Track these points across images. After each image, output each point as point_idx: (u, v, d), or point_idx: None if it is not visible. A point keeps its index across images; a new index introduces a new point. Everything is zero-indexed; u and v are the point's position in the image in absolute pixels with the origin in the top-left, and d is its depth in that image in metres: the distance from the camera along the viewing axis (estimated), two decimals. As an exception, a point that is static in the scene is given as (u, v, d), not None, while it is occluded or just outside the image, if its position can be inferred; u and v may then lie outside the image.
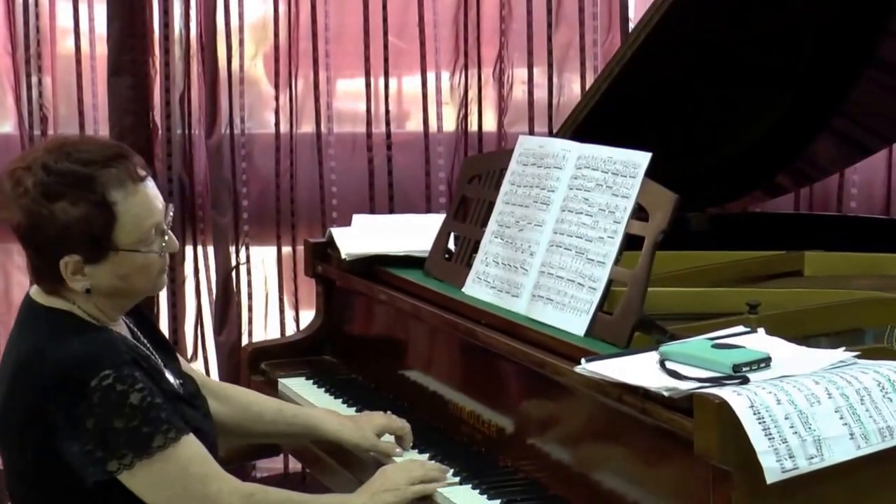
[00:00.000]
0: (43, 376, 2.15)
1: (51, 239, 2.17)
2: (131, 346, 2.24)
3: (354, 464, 2.63)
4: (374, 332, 3.15)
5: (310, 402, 2.93)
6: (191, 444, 2.19)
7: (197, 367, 4.11)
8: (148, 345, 2.34)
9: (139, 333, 2.36)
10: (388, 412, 2.66)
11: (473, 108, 4.07)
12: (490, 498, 2.35)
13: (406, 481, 2.35)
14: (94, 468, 2.13)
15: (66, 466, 2.13)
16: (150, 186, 2.24)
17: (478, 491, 2.37)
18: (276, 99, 4.05)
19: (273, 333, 4.13)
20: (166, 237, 2.26)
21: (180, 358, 2.54)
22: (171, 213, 2.30)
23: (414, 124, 4.11)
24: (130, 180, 2.19)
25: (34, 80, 4.02)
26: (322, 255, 3.24)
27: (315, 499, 2.35)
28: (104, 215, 2.17)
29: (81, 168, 2.17)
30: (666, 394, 1.98)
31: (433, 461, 2.49)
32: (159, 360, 2.33)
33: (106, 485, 2.14)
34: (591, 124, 2.92)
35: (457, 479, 2.43)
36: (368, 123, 4.06)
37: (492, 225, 2.74)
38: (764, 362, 2.03)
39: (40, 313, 2.25)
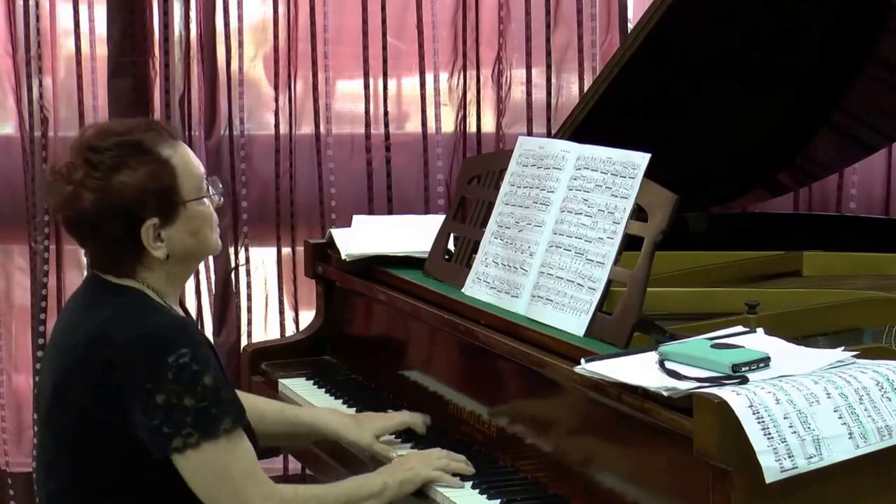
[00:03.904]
0: (117, 350, 2.16)
1: (128, 207, 2.21)
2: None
3: (354, 463, 2.64)
4: (374, 333, 3.16)
5: (310, 402, 2.94)
6: (244, 437, 2.22)
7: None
8: None
9: None
10: (389, 411, 2.68)
11: (472, 109, 4.07)
12: (490, 498, 2.35)
13: (426, 466, 2.40)
14: (157, 443, 2.14)
15: (124, 444, 2.15)
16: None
17: (478, 491, 2.38)
18: (276, 100, 4.05)
19: (273, 334, 4.12)
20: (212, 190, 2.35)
21: None
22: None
23: (413, 125, 4.11)
24: (170, 137, 2.29)
25: (35, 81, 4.01)
26: (322, 256, 3.24)
27: (337, 486, 2.38)
28: (166, 170, 2.24)
29: (127, 137, 2.23)
30: (665, 394, 1.98)
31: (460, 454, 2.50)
32: None
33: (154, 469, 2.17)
34: (589, 125, 2.93)
35: (466, 485, 2.43)
36: (367, 125, 4.06)
37: (491, 225, 2.74)
38: (763, 362, 2.03)
39: (113, 291, 2.26)
